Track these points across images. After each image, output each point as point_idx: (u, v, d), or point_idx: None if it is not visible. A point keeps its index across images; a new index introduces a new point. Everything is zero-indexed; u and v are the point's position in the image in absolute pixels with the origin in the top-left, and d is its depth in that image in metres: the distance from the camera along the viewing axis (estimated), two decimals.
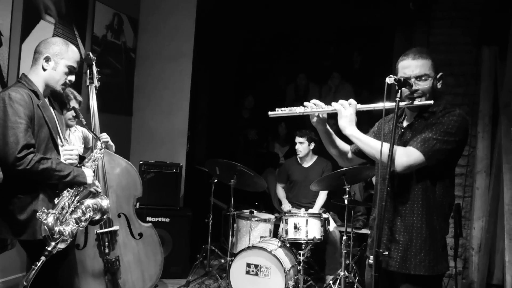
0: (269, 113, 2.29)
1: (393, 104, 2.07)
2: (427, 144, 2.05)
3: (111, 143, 3.43)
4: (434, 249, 2.11)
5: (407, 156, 2.04)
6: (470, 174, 4.86)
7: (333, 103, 2.20)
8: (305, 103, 2.25)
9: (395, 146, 2.04)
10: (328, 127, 2.33)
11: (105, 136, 3.32)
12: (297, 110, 2.23)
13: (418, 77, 2.12)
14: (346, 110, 2.16)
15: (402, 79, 2.08)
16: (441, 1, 5.02)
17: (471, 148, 4.82)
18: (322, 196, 4.69)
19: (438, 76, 2.17)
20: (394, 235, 2.13)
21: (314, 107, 2.23)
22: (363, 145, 2.15)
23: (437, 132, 2.06)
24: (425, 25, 5.08)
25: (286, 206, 4.73)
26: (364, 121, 2.51)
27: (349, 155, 2.41)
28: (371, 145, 2.13)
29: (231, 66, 6.92)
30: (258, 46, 7.09)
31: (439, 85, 2.18)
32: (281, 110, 2.26)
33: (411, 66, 2.13)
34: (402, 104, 2.10)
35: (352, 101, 2.18)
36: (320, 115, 2.27)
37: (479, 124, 4.74)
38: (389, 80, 2.04)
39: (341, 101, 2.19)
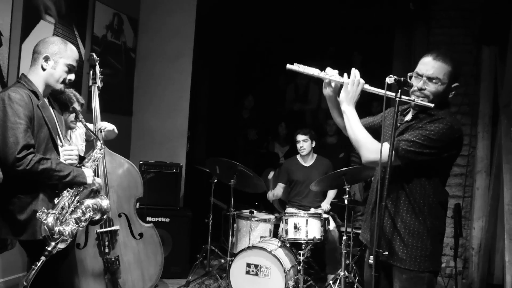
0: (288, 66, 2.30)
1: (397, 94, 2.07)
2: (402, 143, 2.06)
3: (110, 127, 3.30)
4: (423, 246, 2.12)
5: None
6: (470, 174, 4.86)
7: (345, 75, 2.23)
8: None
9: (370, 139, 2.08)
10: (338, 97, 2.34)
11: (105, 125, 3.22)
12: (312, 71, 2.27)
13: (429, 78, 2.12)
14: (353, 87, 2.17)
15: (402, 79, 2.08)
16: (441, 1, 5.02)
17: (471, 148, 4.82)
18: (332, 193, 4.72)
19: (453, 85, 2.15)
20: (384, 229, 2.14)
21: (327, 74, 2.27)
22: (349, 126, 2.18)
23: (417, 135, 2.06)
24: (425, 25, 5.07)
25: (270, 194, 4.86)
26: (364, 116, 2.50)
27: None
28: (355, 130, 2.16)
29: (231, 66, 6.91)
30: (258, 46, 7.09)
31: (450, 95, 2.17)
32: (298, 66, 2.28)
33: (428, 65, 2.13)
34: (402, 98, 2.09)
35: (361, 80, 2.19)
36: (333, 84, 2.29)
37: (479, 124, 4.73)
38: (389, 80, 2.05)
39: (354, 72, 2.20)
